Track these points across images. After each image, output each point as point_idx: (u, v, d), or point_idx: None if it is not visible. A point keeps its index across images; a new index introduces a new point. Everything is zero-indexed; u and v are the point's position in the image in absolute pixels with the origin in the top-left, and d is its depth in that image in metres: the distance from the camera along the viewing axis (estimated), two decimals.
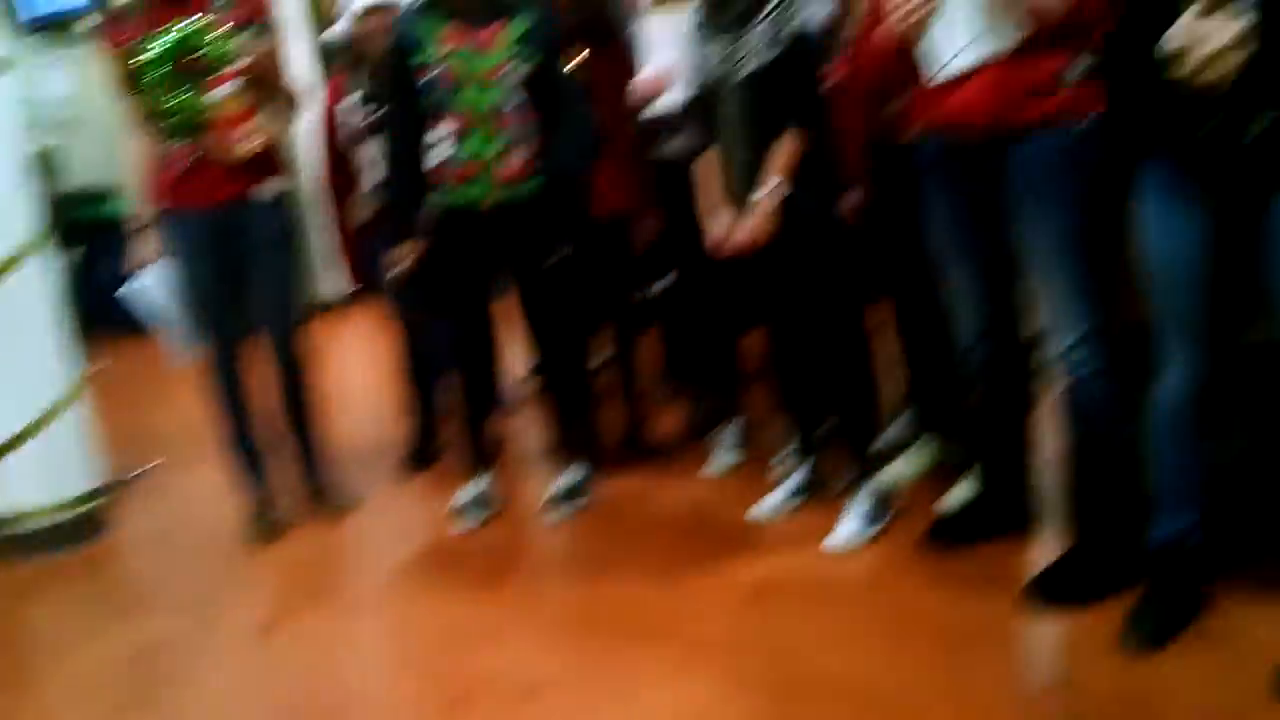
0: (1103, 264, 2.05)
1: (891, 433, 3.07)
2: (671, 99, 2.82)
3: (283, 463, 3.20)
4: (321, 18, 6.07)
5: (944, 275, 2.30)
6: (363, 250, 3.44)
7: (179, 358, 3.01)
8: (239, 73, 2.78)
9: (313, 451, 3.20)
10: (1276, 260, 1.72)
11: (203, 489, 3.45)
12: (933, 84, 2.06)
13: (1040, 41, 1.92)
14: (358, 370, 5.02)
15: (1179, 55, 1.60)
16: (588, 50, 2.95)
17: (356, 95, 3.23)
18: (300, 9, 6.03)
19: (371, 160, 3.19)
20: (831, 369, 2.65)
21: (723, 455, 3.16)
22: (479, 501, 3.02)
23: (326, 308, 5.88)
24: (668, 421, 3.51)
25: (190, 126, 2.77)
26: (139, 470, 3.71)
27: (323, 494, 3.21)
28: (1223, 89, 1.60)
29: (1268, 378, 2.20)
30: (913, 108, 2.41)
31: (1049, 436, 2.53)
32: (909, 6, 1.99)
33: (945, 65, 2.01)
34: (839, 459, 2.77)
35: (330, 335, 5.04)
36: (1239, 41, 1.55)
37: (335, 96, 3.35)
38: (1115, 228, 2.01)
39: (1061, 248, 2.04)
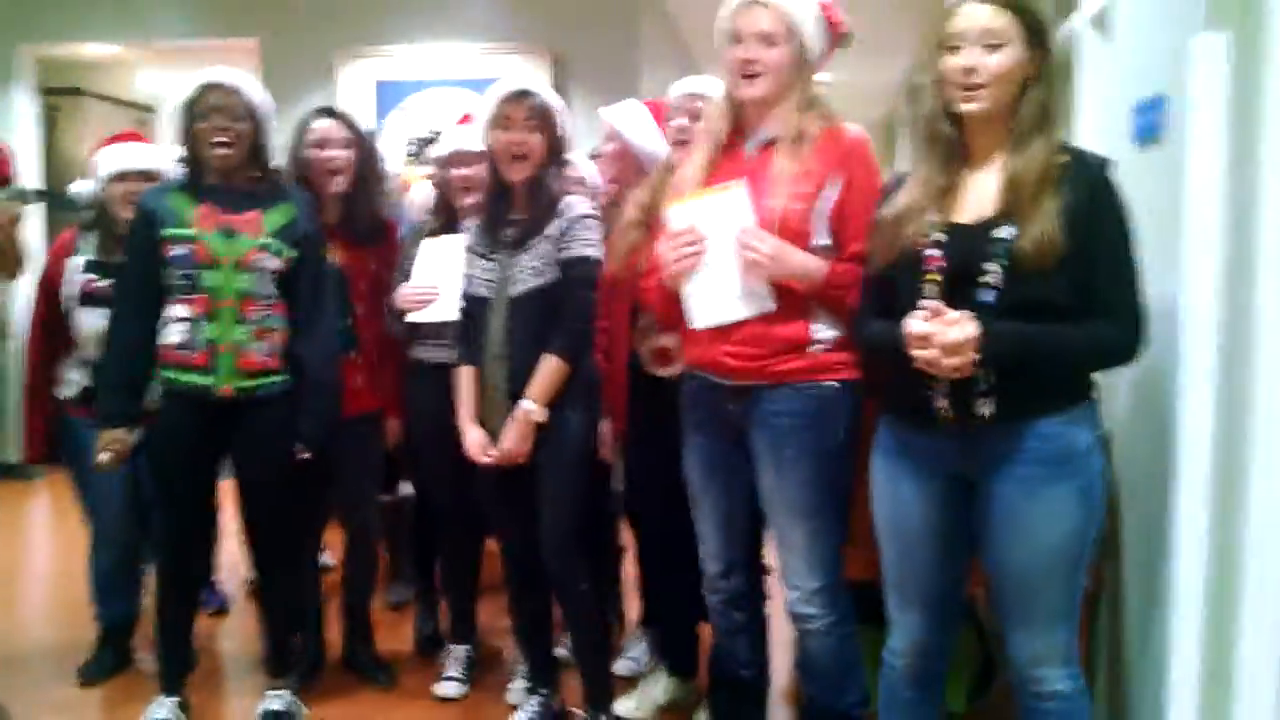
0: (838, 522, 2.14)
1: (629, 660, 3.02)
2: (436, 311, 2.77)
3: None
4: (53, 173, 5.74)
5: (693, 507, 2.32)
6: (55, 420, 3.03)
7: None
8: None
9: None
10: (988, 538, 1.86)
11: None
12: (694, 327, 2.13)
13: (794, 306, 2.05)
14: (38, 553, 4.47)
15: (917, 341, 1.75)
16: (351, 247, 2.89)
17: (82, 259, 2.97)
18: (35, 161, 5.64)
19: (89, 329, 2.91)
20: (569, 597, 2.58)
21: (454, 675, 2.97)
22: None
23: (13, 473, 5.24)
24: (396, 635, 3.29)
25: None
26: None
27: None
28: (955, 377, 1.75)
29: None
30: (677, 345, 2.50)
31: (782, 684, 2.55)
32: (673, 256, 2.08)
33: (706, 315, 2.10)
34: (575, 689, 2.67)
35: (11, 507, 4.48)
36: (967, 344, 1.71)
37: (62, 251, 3.04)
38: (852, 489, 2.11)
39: (799, 502, 2.11)
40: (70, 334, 2.98)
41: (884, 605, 2.01)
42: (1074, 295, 1.74)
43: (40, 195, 2.67)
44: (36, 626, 3.50)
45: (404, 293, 2.83)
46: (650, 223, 2.57)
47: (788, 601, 2.17)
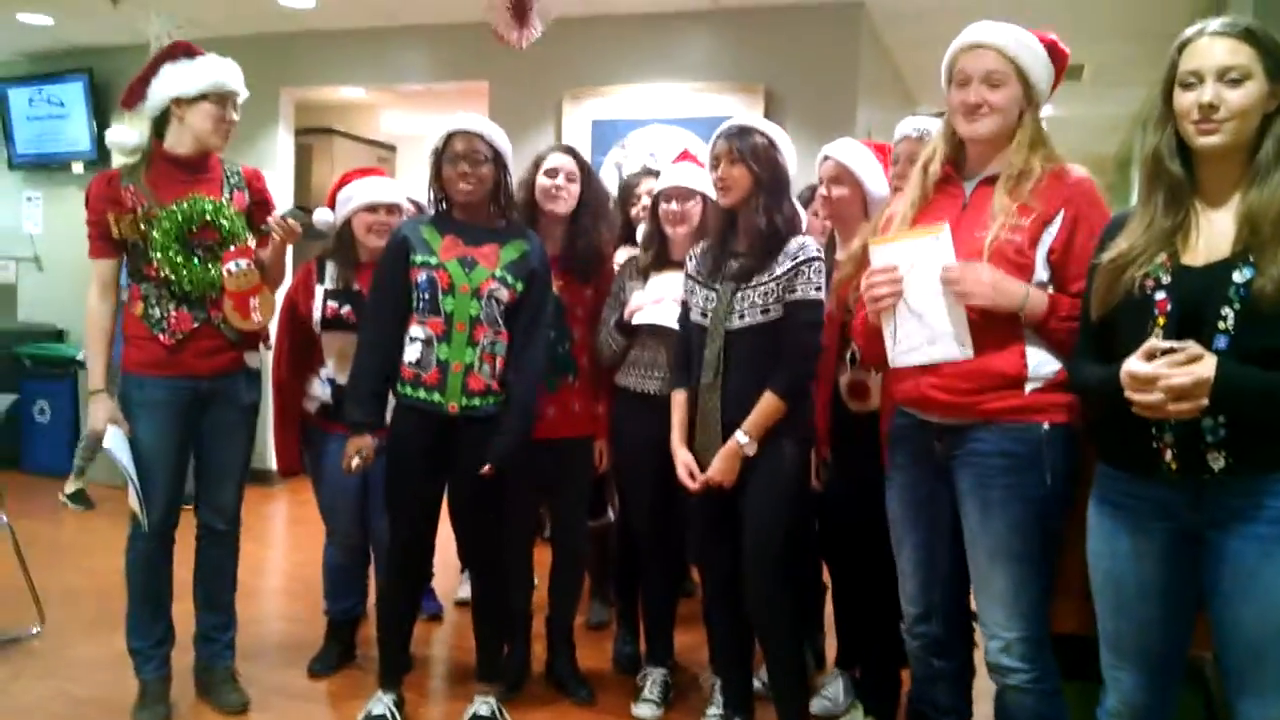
0: (1044, 571, 2.04)
1: (824, 699, 2.99)
2: (659, 311, 2.82)
3: (182, 643, 3.00)
4: (305, 205, 6.22)
5: (895, 547, 2.28)
6: (300, 437, 3.26)
7: (140, 521, 2.77)
8: (258, 247, 2.91)
9: (222, 634, 3.02)
10: (1218, 598, 1.74)
11: (96, 660, 3.23)
12: (898, 364, 2.11)
13: (1010, 339, 2.00)
14: (276, 552, 4.85)
15: (1139, 385, 1.68)
16: (569, 276, 3.02)
17: (325, 286, 3.17)
18: (290, 194, 6.17)
19: (329, 350, 3.15)
20: (768, 629, 2.59)
21: (651, 697, 3.02)
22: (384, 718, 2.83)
23: (255, 478, 5.71)
24: (596, 654, 3.38)
25: (200, 295, 2.79)
26: (11, 635, 3.47)
27: (224, 685, 3.00)
28: (1180, 421, 1.67)
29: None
30: (874, 381, 2.48)
31: None
32: (874, 292, 2.08)
33: (902, 355, 2.08)
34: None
35: (253, 510, 4.90)
36: (1198, 388, 1.63)
37: (307, 278, 3.22)
38: (1062, 536, 2.03)
39: (1003, 546, 2.03)
40: (316, 353, 3.21)
41: (1097, 659, 1.92)
42: None
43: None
44: (273, 620, 3.79)
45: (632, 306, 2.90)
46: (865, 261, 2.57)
47: (986, 651, 2.09)
